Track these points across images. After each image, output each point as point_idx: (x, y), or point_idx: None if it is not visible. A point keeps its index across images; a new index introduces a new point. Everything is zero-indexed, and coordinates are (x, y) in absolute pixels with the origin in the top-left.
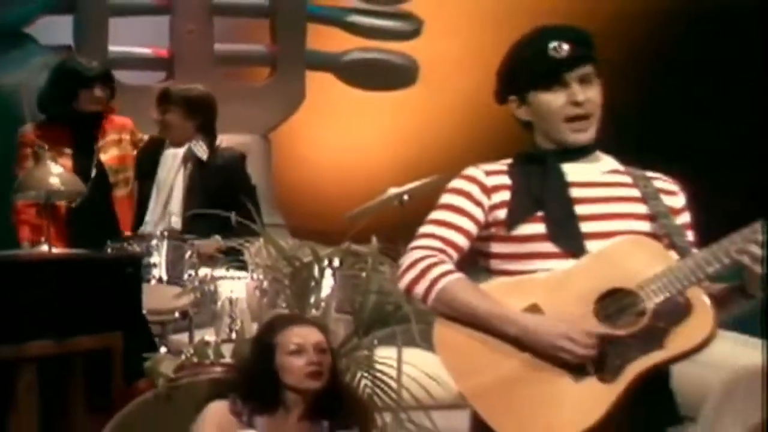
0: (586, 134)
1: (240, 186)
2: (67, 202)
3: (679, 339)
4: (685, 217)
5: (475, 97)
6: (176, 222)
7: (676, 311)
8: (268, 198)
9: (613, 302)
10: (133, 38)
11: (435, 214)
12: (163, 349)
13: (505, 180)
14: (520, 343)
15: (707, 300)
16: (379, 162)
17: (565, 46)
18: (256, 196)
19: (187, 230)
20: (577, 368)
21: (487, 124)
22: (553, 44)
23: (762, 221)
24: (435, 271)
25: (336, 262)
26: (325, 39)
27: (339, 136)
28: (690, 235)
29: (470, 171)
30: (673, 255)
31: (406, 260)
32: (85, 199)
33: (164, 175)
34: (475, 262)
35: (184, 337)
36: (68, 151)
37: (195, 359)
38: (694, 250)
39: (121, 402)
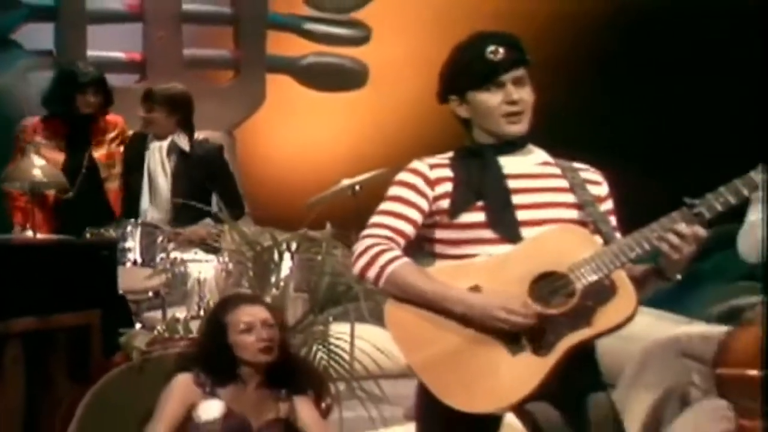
0: (521, 125)
1: (221, 173)
2: (56, 192)
3: (605, 317)
4: (608, 205)
5: (419, 97)
6: (167, 209)
7: (602, 292)
8: None
9: (547, 284)
10: (108, 43)
11: (384, 205)
12: (138, 325)
13: (448, 172)
14: (465, 320)
15: (629, 282)
16: (333, 156)
17: (501, 50)
18: (235, 181)
19: (177, 215)
20: (515, 343)
21: (430, 122)
22: (490, 48)
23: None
24: (384, 258)
25: (293, 247)
26: (283, 44)
27: (297, 132)
28: (613, 221)
29: (415, 164)
30: (599, 241)
31: (359, 247)
32: (77, 191)
33: (153, 167)
34: (421, 247)
35: (157, 314)
36: (63, 145)
37: (166, 334)
38: (618, 235)
39: (99, 373)
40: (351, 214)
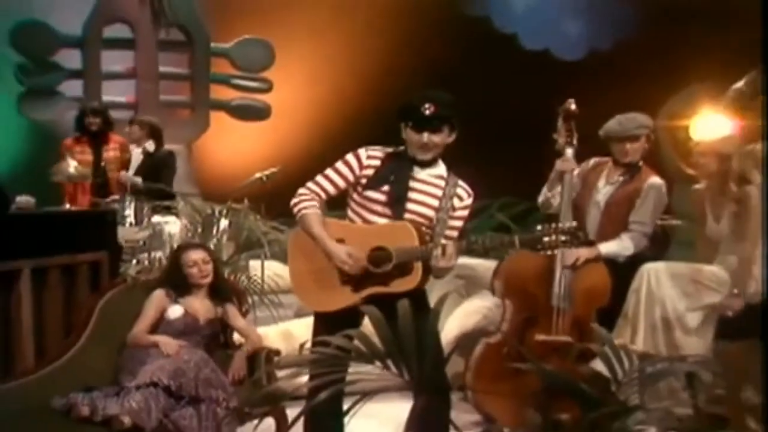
0: (428, 155)
1: (163, 167)
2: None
3: (397, 284)
4: (459, 213)
5: (302, 126)
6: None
7: (404, 269)
8: (191, 179)
9: (379, 254)
10: (115, 92)
11: (327, 170)
12: (133, 261)
13: (377, 163)
14: (327, 257)
15: (420, 268)
16: (250, 159)
17: (433, 108)
18: (170, 174)
19: (141, 192)
20: (346, 281)
21: (307, 141)
22: (426, 105)
23: None
24: (303, 204)
25: (225, 213)
26: (220, 92)
27: (229, 146)
28: (455, 224)
29: (359, 151)
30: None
31: (298, 192)
32: (98, 179)
33: (132, 163)
34: (343, 201)
35: (144, 255)
36: (90, 151)
37: (149, 267)
38: (452, 234)
39: (107, 290)
40: (261, 194)
